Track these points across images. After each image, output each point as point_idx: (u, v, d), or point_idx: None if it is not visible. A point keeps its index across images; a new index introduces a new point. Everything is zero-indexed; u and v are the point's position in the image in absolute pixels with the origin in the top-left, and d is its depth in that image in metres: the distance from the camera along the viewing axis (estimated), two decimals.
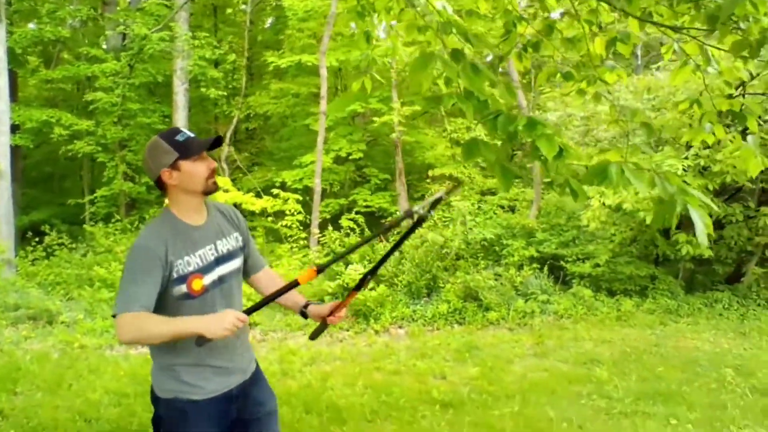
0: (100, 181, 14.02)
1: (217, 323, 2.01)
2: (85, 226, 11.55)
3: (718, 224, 8.62)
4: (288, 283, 2.34)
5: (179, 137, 2.18)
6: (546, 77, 3.52)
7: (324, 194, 12.34)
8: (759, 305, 8.04)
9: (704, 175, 7.46)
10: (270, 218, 10.62)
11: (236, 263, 2.34)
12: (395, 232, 7.23)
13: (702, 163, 7.35)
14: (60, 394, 5.07)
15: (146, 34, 12.54)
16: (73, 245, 10.27)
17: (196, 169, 2.17)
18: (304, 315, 2.47)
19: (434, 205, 2.26)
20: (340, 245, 8.60)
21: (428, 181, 11.41)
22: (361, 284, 2.41)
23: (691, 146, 7.98)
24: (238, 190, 11.36)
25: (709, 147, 7.61)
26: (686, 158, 7.51)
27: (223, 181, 10.77)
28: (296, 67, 13.99)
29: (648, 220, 7.67)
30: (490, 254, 8.75)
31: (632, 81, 11.44)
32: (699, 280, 8.79)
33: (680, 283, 8.49)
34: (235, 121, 14.95)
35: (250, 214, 11.15)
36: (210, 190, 2.22)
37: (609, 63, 3.35)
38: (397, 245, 2.51)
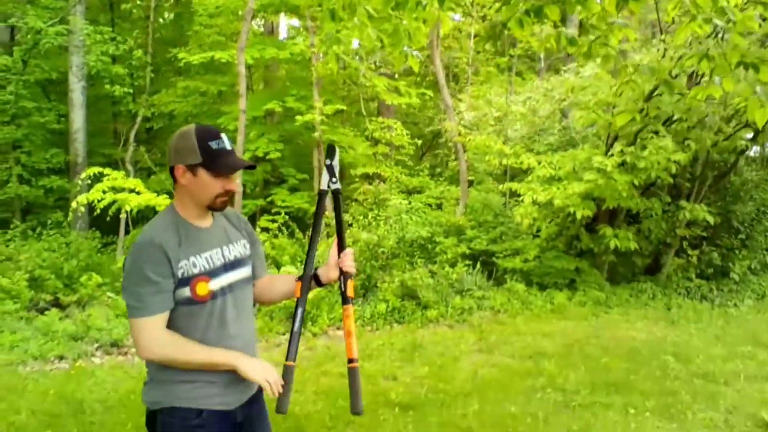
0: None
1: (259, 368, 2.00)
2: None
3: (636, 218, 9.00)
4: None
5: (213, 143, 1.97)
6: (545, 43, 3.41)
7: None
8: (680, 294, 8.44)
9: (629, 171, 7.69)
10: None
11: (245, 271, 2.17)
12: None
13: (628, 160, 7.58)
14: None
15: (41, 27, 11.57)
16: None
17: (211, 185, 1.99)
18: (319, 283, 2.38)
19: (332, 175, 2.35)
20: (270, 247, 8.23)
21: (356, 180, 11.21)
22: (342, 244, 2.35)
23: (613, 144, 8.28)
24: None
25: (633, 144, 7.94)
26: (611, 155, 7.73)
27: (134, 182, 10.08)
28: (204, 64, 13.40)
29: (578, 215, 7.87)
30: (423, 252, 8.68)
31: (541, 84, 11.82)
32: (620, 272, 9.11)
33: (604, 276, 8.77)
34: (138, 120, 14.11)
35: None
36: (216, 208, 2.05)
37: (619, 21, 3.27)
38: (339, 221, 2.41)
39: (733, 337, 6.74)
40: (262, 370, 2.00)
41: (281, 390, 2.02)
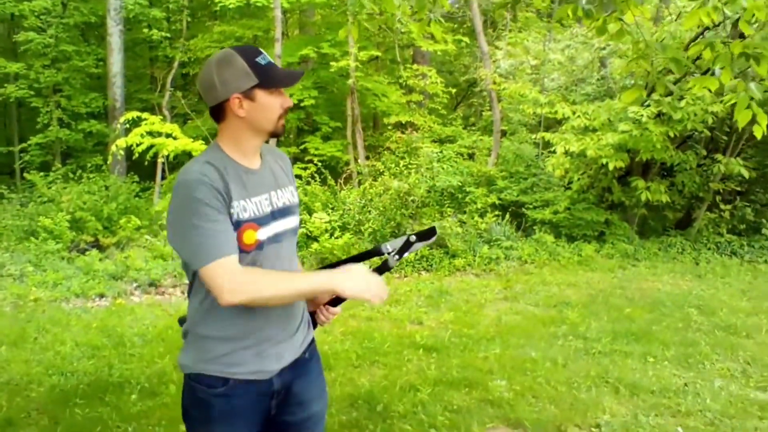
0: (30, 128, 13.22)
1: (360, 282, 1.72)
2: (25, 174, 10.87)
3: (670, 171, 8.91)
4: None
5: (260, 59, 1.75)
6: (563, 15, 3.43)
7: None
8: (709, 249, 8.41)
9: (665, 123, 7.59)
10: None
11: (293, 221, 1.92)
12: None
13: (664, 110, 7.47)
14: (26, 348, 4.80)
15: None
16: (12, 195, 9.66)
17: (271, 105, 1.76)
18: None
19: (402, 251, 1.97)
20: (302, 193, 8.41)
21: (390, 128, 11.27)
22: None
23: (650, 94, 8.13)
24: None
25: (670, 94, 7.78)
26: (648, 105, 7.62)
27: (171, 127, 10.29)
28: (239, 9, 13.41)
29: (610, 166, 7.83)
30: (453, 202, 8.77)
31: (581, 30, 11.57)
32: (651, 226, 9.09)
33: (634, 229, 8.77)
34: (175, 65, 14.27)
35: None
36: (279, 132, 1.82)
37: None
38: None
39: (760, 292, 6.74)
40: (363, 284, 1.73)
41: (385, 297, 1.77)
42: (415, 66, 12.21)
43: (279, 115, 1.79)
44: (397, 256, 1.97)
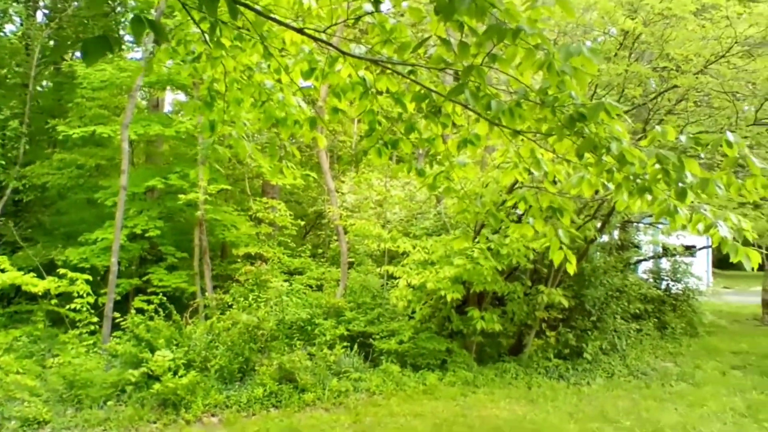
0: None
1: None
2: None
3: (501, 301, 9.70)
4: None
5: None
6: (399, 171, 3.91)
7: None
8: (539, 373, 9.08)
9: (494, 257, 8.36)
10: (54, 301, 9.66)
11: None
12: None
13: (492, 246, 8.25)
14: None
15: None
16: None
17: None
18: None
19: None
20: (145, 330, 8.08)
21: (238, 260, 11.26)
22: None
23: (480, 231, 8.98)
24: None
25: (496, 232, 8.65)
26: (477, 242, 8.39)
27: None
28: (83, 137, 13.14)
29: (448, 298, 8.40)
30: (303, 334, 8.85)
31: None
32: (488, 352, 9.69)
33: (473, 356, 9.30)
34: (8, 192, 13.48)
35: (29, 298, 10.06)
36: None
37: (461, 160, 3.82)
38: None
39: (585, 414, 7.36)
40: None
41: None
42: (264, 199, 12.52)
43: None
44: None
